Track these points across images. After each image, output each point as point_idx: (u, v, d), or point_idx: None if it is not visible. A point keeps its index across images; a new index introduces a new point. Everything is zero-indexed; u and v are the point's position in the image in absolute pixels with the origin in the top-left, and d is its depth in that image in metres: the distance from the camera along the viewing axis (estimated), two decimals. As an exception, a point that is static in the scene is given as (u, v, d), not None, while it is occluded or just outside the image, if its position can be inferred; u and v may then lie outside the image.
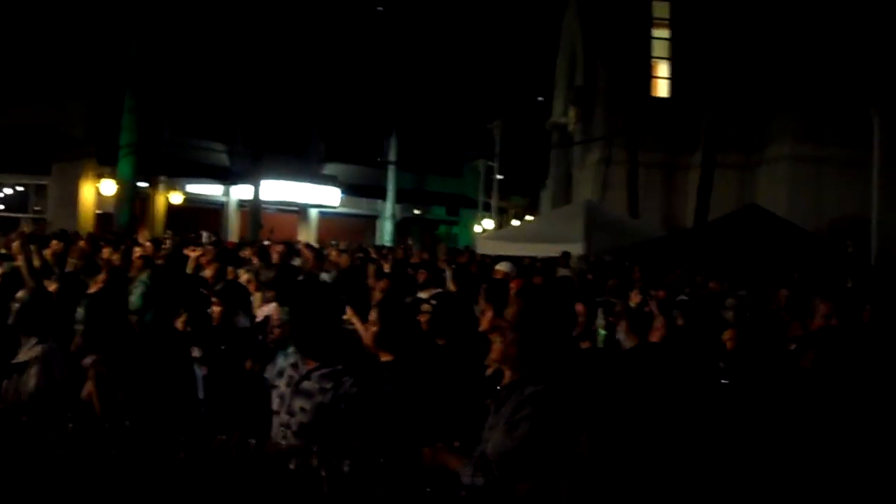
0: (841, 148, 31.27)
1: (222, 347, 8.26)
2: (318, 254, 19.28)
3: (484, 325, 8.27)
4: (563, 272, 19.71)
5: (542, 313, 5.19)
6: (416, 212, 56.34)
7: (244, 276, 12.24)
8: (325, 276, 14.01)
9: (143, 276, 6.50)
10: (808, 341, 6.45)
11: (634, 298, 12.27)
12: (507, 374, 5.30)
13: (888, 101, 29.27)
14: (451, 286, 12.67)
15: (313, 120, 47.24)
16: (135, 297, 6.26)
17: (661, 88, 37.64)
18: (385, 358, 6.96)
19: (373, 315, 7.10)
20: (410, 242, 38.99)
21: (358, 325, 8.78)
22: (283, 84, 42.92)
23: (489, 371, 7.19)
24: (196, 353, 7.46)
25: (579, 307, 8.45)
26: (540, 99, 51.71)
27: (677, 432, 4.59)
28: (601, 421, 4.78)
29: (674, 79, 37.02)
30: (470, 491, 4.88)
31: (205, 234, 29.15)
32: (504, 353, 5.24)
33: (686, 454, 4.49)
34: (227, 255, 15.65)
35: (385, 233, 51.98)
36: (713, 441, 4.78)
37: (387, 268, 15.54)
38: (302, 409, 5.74)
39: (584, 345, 8.82)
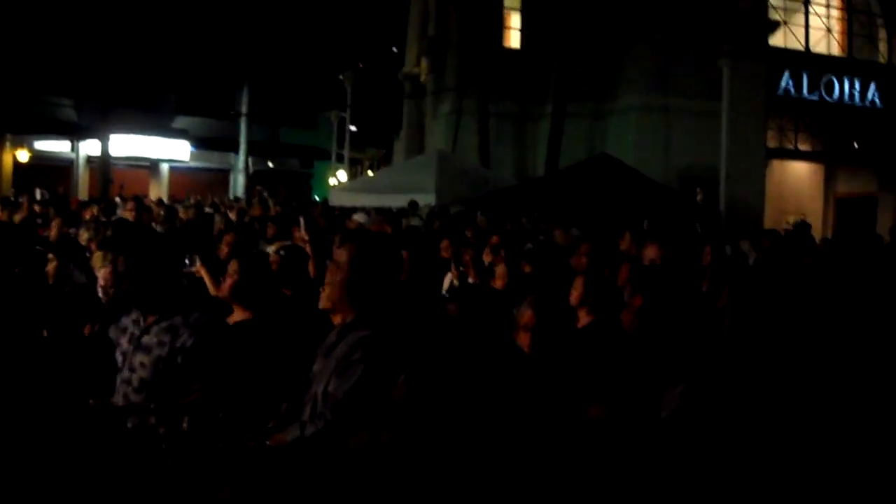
0: (690, 98, 31.71)
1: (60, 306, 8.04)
2: (169, 209, 19.02)
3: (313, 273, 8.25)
4: (412, 221, 19.74)
5: (369, 257, 5.17)
6: (270, 165, 55.77)
7: (84, 235, 11.99)
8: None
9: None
10: (636, 282, 6.49)
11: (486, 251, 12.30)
12: (338, 318, 5.27)
13: (737, 52, 29.81)
14: (304, 236, 12.58)
15: (163, 72, 46.31)
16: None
17: (513, 39, 37.68)
18: (240, 311, 6.87)
19: (233, 266, 6.97)
20: (265, 195, 38.55)
21: (206, 278, 8.65)
22: (131, 35, 41.96)
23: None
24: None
25: (405, 254, 8.48)
26: (394, 50, 51.44)
27: (490, 376, 4.62)
28: (417, 367, 4.79)
29: (525, 30, 37.06)
30: (303, 442, 4.85)
31: (38, 192, 28.58)
32: (330, 296, 5.20)
33: (500, 397, 4.51)
34: (65, 213, 15.36)
35: (238, 186, 51.36)
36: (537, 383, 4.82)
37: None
38: (142, 365, 5.64)
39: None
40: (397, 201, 23.82)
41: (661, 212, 22.31)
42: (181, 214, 19.34)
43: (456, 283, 10.32)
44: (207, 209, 23.66)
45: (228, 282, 6.84)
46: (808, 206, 38.04)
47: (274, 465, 4.80)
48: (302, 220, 11.85)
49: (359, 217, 14.56)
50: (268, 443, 4.94)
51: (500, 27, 37.19)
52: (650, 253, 9.53)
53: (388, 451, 4.44)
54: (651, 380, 4.99)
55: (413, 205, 22.78)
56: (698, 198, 30.62)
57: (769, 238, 16.46)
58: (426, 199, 23.86)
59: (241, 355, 6.13)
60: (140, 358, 5.67)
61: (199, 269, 8.75)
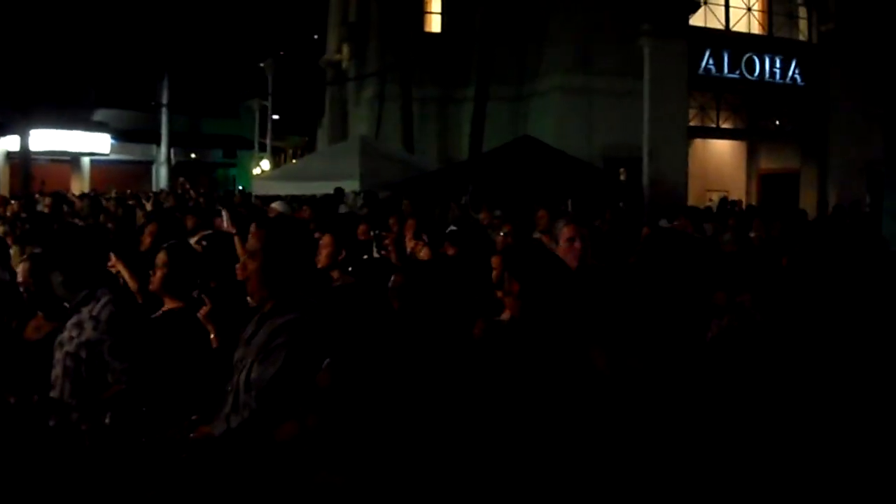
0: (612, 78, 31.83)
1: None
2: (93, 202, 18.82)
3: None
4: (340, 209, 19.71)
5: (281, 242, 5.13)
6: (193, 156, 55.42)
7: (-1, 230, 11.83)
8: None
9: None
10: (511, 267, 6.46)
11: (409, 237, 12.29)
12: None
13: (657, 32, 30.02)
14: (229, 228, 12.48)
15: (81, 65, 45.81)
16: None
17: (434, 23, 37.62)
18: (171, 301, 6.76)
19: (161, 257, 6.84)
20: (188, 186, 38.29)
21: (124, 272, 8.51)
22: (49, 29, 41.44)
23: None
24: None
25: (327, 239, 8.46)
26: (315, 37, 51.20)
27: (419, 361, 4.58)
28: (343, 351, 4.74)
29: (446, 13, 37.02)
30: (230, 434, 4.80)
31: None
32: (249, 285, 5.16)
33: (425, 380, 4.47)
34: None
35: (160, 178, 50.96)
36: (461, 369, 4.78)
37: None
38: (57, 361, 5.63)
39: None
40: (321, 188, 23.75)
41: (585, 191, 22.39)
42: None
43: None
44: (129, 202, 23.46)
45: (158, 274, 6.70)
46: (731, 182, 38.44)
47: (199, 458, 4.73)
48: (225, 213, 11.78)
49: (277, 205, 14.46)
50: (192, 435, 4.88)
51: (420, 11, 37.13)
52: (567, 233, 9.54)
53: (313, 437, 4.39)
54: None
55: (339, 192, 22.71)
56: (622, 177, 30.86)
57: (687, 216, 16.61)
58: (350, 186, 23.81)
59: (170, 346, 6.07)
60: (56, 354, 5.71)
61: (115, 263, 8.59)
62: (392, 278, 5.51)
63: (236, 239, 10.19)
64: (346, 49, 41.79)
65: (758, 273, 8.01)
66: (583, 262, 7.38)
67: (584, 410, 4.41)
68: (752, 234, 15.51)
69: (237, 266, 5.31)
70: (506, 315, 6.44)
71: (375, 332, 5.29)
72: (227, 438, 4.80)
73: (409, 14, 35.49)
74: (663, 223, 16.16)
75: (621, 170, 31.84)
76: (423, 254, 9.73)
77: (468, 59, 34.00)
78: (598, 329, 5.34)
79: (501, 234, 11.02)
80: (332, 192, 22.76)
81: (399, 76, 34.23)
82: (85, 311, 5.73)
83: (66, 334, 5.70)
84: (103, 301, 5.87)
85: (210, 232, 10.90)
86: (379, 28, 36.85)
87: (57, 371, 5.63)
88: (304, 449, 4.43)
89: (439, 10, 37.27)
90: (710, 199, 32.38)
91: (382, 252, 10.58)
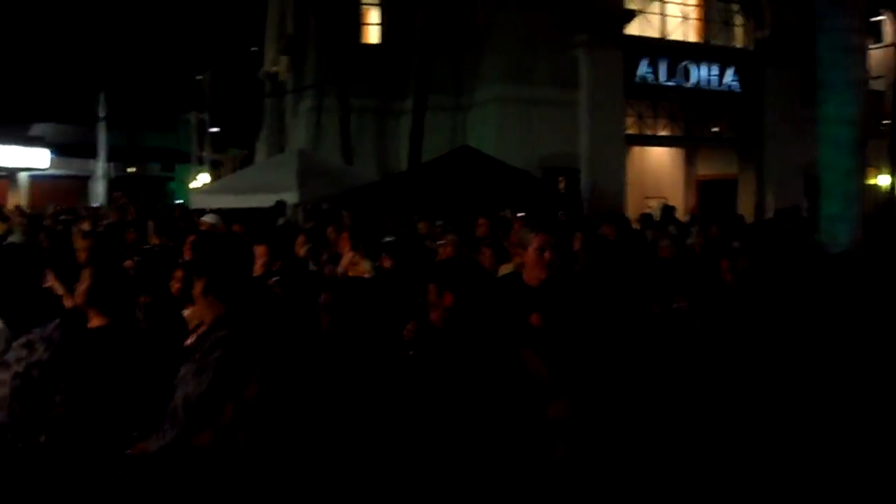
0: (550, 88, 31.95)
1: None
2: (33, 219, 18.67)
3: (176, 285, 8.17)
4: (280, 221, 19.68)
5: (218, 259, 5.14)
6: (131, 170, 55.05)
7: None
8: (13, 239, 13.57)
9: None
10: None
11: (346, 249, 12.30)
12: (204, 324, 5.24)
13: (593, 41, 30.26)
14: (154, 241, 12.46)
15: (17, 79, 45.41)
16: None
17: (372, 34, 37.58)
18: (97, 319, 6.72)
19: (86, 272, 6.81)
20: (125, 201, 38.00)
21: (60, 290, 8.45)
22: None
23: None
24: None
25: (261, 249, 8.49)
26: (253, 49, 51.03)
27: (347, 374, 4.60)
28: (269, 365, 4.75)
29: (384, 25, 36.99)
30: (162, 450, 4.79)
31: None
32: (196, 306, 5.18)
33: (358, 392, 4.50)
34: None
35: (99, 193, 50.54)
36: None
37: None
38: (2, 382, 5.56)
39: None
40: (259, 201, 23.66)
41: (525, 201, 22.47)
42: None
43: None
44: (65, 216, 23.29)
45: (82, 287, 6.66)
46: (669, 189, 38.76)
47: (135, 475, 4.73)
48: (151, 224, 11.75)
49: (208, 218, 14.40)
50: (129, 452, 4.87)
51: (358, 23, 37.05)
52: (536, 243, 9.64)
53: (242, 450, 4.40)
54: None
55: (280, 205, 22.66)
56: (560, 186, 31.01)
57: (614, 224, 16.71)
58: (288, 198, 23.76)
59: (99, 362, 6.03)
60: (1, 375, 5.59)
61: (51, 281, 8.52)
62: (322, 296, 5.53)
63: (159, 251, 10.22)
64: (283, 61, 41.67)
65: (694, 280, 8.11)
66: (552, 271, 7.43)
67: (511, 414, 4.45)
68: (689, 241, 15.65)
69: (171, 282, 5.33)
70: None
71: (302, 345, 5.30)
72: (162, 454, 4.79)
73: (347, 26, 35.42)
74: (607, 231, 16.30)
75: (560, 179, 31.98)
76: (362, 266, 9.77)
77: (407, 70, 34.00)
78: (531, 334, 5.40)
79: (441, 243, 11.08)
80: (269, 204, 22.71)
81: (337, 88, 34.15)
82: (36, 331, 5.68)
83: (13, 354, 5.64)
84: (56, 322, 5.84)
85: (147, 247, 10.85)
86: (317, 40, 36.71)
87: (4, 391, 5.57)
88: (228, 458, 4.45)
89: (377, 21, 37.22)
90: (649, 207, 32.59)
91: (317, 266, 10.58)
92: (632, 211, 29.01)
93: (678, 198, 37.97)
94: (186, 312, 6.45)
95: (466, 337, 4.90)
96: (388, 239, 12.34)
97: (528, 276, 7.38)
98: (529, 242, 7.63)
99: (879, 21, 45.77)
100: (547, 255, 7.43)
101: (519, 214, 17.50)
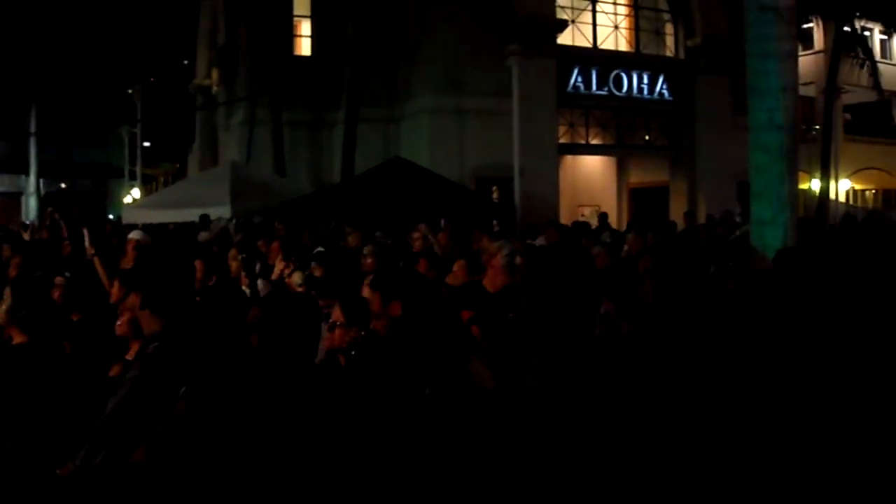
0: (483, 98, 32.01)
1: None
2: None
3: (113, 296, 8.06)
4: (203, 235, 19.49)
5: (157, 271, 5.10)
6: (62, 185, 54.56)
7: None
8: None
9: None
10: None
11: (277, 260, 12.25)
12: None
13: (526, 51, 30.35)
14: (89, 249, 12.33)
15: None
16: None
17: (304, 46, 37.46)
18: (18, 337, 6.63)
19: (7, 291, 6.73)
20: (57, 216, 37.55)
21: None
22: None
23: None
24: None
25: (198, 264, 8.44)
26: (185, 62, 50.69)
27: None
28: (197, 380, 4.69)
29: (316, 36, 36.89)
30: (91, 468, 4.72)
31: None
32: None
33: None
34: None
35: (31, 210, 50.06)
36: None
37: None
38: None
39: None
40: (192, 216, 23.47)
41: (458, 211, 22.48)
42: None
43: (247, 290, 10.25)
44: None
45: (3, 307, 6.58)
46: (602, 197, 39.06)
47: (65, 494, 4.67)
48: (85, 232, 11.62)
49: (134, 234, 14.26)
50: (58, 472, 4.82)
51: (290, 35, 36.94)
52: (503, 251, 9.75)
53: (173, 465, 4.34)
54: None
55: (204, 219, 22.50)
56: (494, 196, 31.08)
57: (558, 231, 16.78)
58: (221, 212, 23.59)
59: (16, 379, 5.96)
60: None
61: None
62: (251, 312, 5.48)
63: (96, 260, 10.12)
64: (215, 74, 41.45)
65: (620, 284, 8.12)
66: (516, 277, 7.43)
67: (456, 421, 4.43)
68: (625, 248, 15.72)
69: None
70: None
71: (231, 361, 5.25)
72: (86, 472, 4.73)
73: (279, 37, 35.28)
74: (539, 241, 16.36)
75: (494, 188, 32.06)
76: (294, 278, 9.74)
77: (339, 82, 33.91)
78: (478, 342, 5.39)
79: (365, 254, 11.09)
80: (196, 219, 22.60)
81: (269, 100, 33.99)
82: None
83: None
84: None
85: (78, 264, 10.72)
86: (248, 52, 36.55)
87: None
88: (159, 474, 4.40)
89: (309, 33, 37.12)
90: (583, 215, 32.76)
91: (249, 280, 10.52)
92: (565, 219, 29.13)
93: (611, 205, 38.27)
94: (118, 324, 6.37)
95: (412, 346, 4.88)
96: (318, 249, 12.30)
97: (489, 282, 7.39)
98: (497, 249, 7.64)
99: (810, 28, 46.53)
100: (519, 260, 7.44)
101: (445, 224, 17.50)
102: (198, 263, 8.81)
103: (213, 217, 23.02)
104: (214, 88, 41.99)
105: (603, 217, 25.70)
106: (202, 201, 24.40)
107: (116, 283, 8.05)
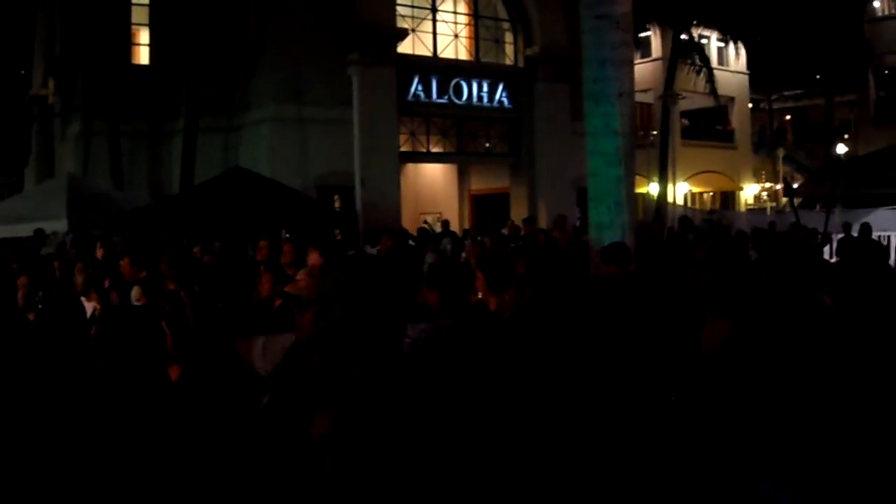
0: (324, 107, 32.02)
1: None
2: None
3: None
4: (45, 250, 19.25)
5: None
6: None
7: None
8: None
9: None
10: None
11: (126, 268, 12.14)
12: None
13: (366, 60, 30.53)
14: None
15: None
16: None
17: (143, 55, 36.94)
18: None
19: None
20: None
21: None
22: None
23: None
24: None
25: (22, 279, 8.38)
26: (22, 72, 49.60)
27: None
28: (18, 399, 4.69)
29: (154, 45, 36.40)
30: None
31: None
32: None
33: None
34: None
35: None
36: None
37: None
38: None
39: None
40: (28, 230, 22.99)
41: (300, 220, 22.46)
42: None
43: (97, 306, 10.16)
44: None
45: None
46: (444, 204, 39.40)
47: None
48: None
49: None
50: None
51: (128, 43, 36.36)
52: (312, 259, 9.88)
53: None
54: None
55: (39, 233, 22.10)
56: (336, 204, 31.12)
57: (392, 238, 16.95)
58: (57, 227, 23.17)
59: None
60: None
61: None
62: (93, 329, 5.46)
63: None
64: (51, 83, 40.62)
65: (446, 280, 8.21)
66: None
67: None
68: (463, 255, 15.96)
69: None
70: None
71: (65, 379, 5.23)
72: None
73: (116, 46, 34.71)
74: (367, 249, 16.51)
75: (336, 197, 32.06)
76: (136, 293, 9.73)
77: (178, 91, 33.52)
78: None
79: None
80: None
81: (106, 111, 33.43)
82: None
83: None
84: None
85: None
86: (85, 60, 35.89)
87: None
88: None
89: (147, 41, 36.63)
90: (425, 222, 32.95)
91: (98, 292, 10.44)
92: (408, 226, 29.32)
93: (453, 212, 38.67)
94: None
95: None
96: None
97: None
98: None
99: (648, 36, 47.61)
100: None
101: (286, 235, 17.55)
102: (23, 279, 8.69)
103: (48, 231, 22.60)
104: (51, 98, 41.14)
105: (445, 224, 25.96)
106: (38, 216, 23.92)
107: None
